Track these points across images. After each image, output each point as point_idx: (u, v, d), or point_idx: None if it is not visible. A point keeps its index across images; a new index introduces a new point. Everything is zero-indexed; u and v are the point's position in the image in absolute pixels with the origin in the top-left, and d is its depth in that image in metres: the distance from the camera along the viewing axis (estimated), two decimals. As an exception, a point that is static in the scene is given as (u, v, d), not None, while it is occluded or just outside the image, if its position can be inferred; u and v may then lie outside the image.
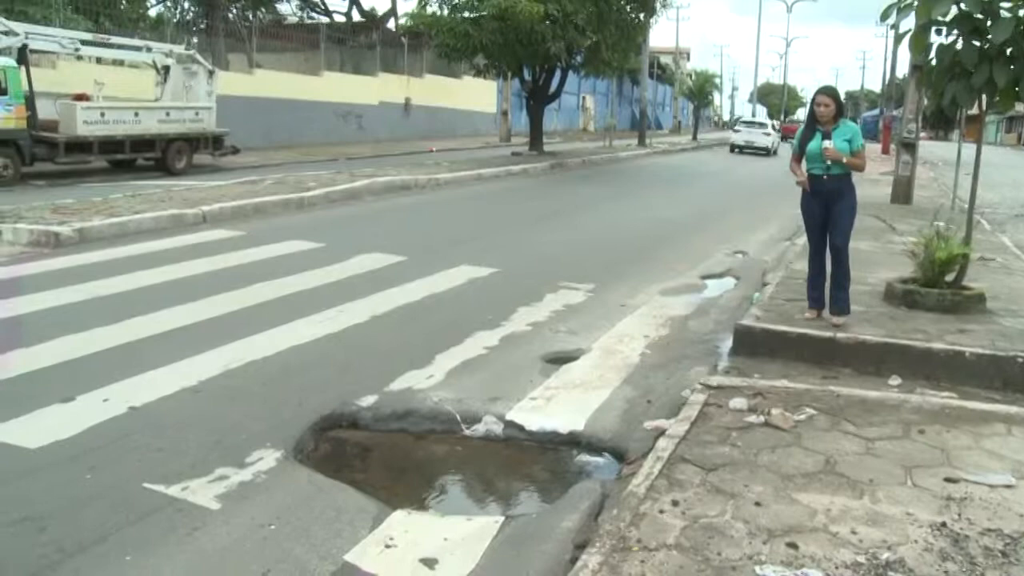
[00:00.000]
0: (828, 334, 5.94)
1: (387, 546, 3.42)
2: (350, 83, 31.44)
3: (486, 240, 10.84)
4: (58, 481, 3.80)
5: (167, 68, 18.73)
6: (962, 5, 5.91)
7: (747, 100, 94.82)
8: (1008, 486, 3.75)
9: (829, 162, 5.99)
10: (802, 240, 8.90)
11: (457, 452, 4.55)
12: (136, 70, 20.96)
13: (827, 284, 6.30)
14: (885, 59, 60.49)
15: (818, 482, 3.76)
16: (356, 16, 40.21)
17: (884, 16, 6.29)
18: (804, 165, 6.22)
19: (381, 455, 4.51)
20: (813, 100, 6.19)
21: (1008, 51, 5.88)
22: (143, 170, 17.92)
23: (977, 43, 5.94)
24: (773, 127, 41.05)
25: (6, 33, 15.24)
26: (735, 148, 36.92)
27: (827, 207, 6.13)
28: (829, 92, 6.09)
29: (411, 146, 29.08)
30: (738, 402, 4.75)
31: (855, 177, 6.27)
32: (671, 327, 6.98)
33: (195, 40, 25.54)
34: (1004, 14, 5.77)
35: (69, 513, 3.52)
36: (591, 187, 18.59)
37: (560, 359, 5.97)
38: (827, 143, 5.95)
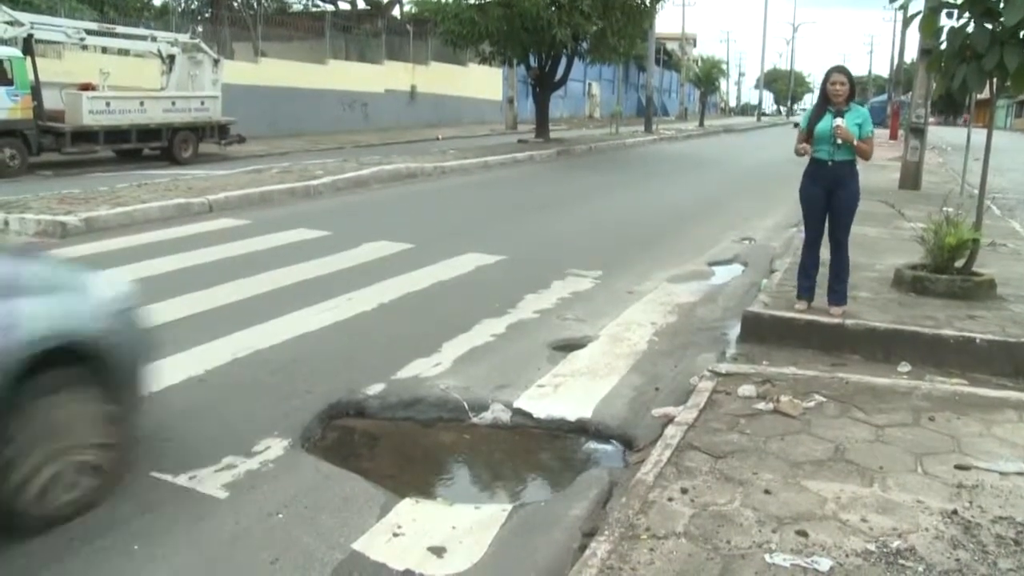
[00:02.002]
0: (836, 321, 5.91)
1: (395, 534, 3.41)
2: (356, 71, 31.38)
3: (493, 227, 10.81)
4: (66, 470, 3.80)
5: (172, 57, 18.71)
6: (974, -13, 5.83)
7: (754, 86, 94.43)
8: (1020, 473, 3.72)
9: (839, 142, 5.86)
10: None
11: (465, 440, 4.54)
12: (141, 59, 20.96)
13: (818, 274, 6.23)
14: (893, 43, 60.11)
15: (827, 469, 3.74)
16: (361, 4, 40.10)
17: (893, -2, 6.21)
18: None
19: (388, 443, 4.50)
20: (826, 79, 5.97)
21: (1020, 34, 5.80)
22: (149, 160, 17.94)
23: (988, 26, 5.86)
24: None
25: (11, 23, 15.23)
26: (796, 125, 51.15)
27: (829, 194, 6.03)
28: (844, 71, 5.93)
29: (417, 134, 29.05)
30: (746, 389, 4.73)
31: (859, 164, 6.19)
32: (679, 314, 6.95)
33: (200, 29, 25.53)
34: (1016, -4, 5.70)
35: (77, 502, 3.52)
36: (597, 174, 18.52)
37: (567, 346, 5.95)
38: (839, 120, 5.82)
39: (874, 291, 6.83)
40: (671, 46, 68.83)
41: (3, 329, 3.09)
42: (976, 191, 7.36)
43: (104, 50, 20.67)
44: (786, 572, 2.89)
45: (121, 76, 18.67)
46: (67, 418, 3.38)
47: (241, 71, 24.44)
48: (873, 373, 5.21)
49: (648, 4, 26.09)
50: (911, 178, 15.69)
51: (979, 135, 8.95)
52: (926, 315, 6.08)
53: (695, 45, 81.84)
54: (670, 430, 4.15)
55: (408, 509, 3.63)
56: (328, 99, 29.08)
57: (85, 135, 16.21)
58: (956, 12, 6.07)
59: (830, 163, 5.96)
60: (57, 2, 21.79)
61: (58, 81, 16.95)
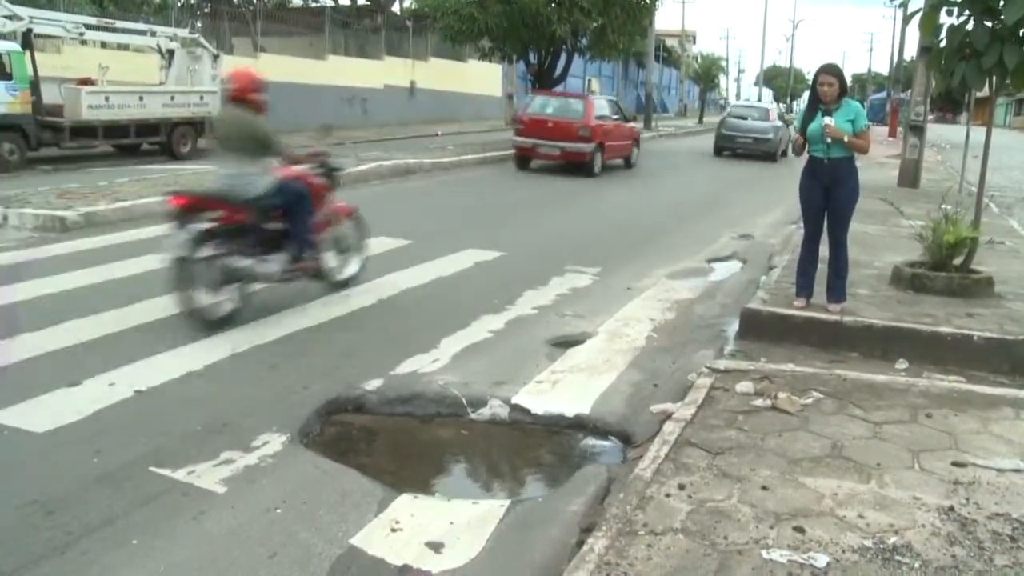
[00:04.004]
0: (835, 318, 5.91)
1: (393, 530, 3.42)
2: (355, 67, 31.31)
3: (492, 223, 10.80)
4: (65, 465, 3.81)
5: (171, 52, 18.67)
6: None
7: (753, 83, 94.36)
8: (1016, 470, 3.74)
9: (829, 141, 5.85)
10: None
11: (463, 436, 4.55)
12: (140, 54, 20.88)
13: (817, 272, 6.23)
14: (893, 41, 60.18)
15: (825, 466, 3.75)
16: (361, -1, 40.02)
17: (894, -5, 6.22)
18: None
19: (387, 439, 4.51)
20: (815, 79, 5.98)
21: (1020, 32, 5.80)
22: (148, 155, 17.90)
23: (988, 23, 5.86)
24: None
25: (10, 17, 15.18)
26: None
27: (827, 192, 6.03)
28: (832, 71, 5.92)
29: (416, 130, 29.01)
30: (745, 386, 4.74)
31: (859, 160, 6.18)
32: (677, 311, 6.96)
33: (199, 24, 25.44)
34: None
35: (76, 497, 3.53)
36: (597, 171, 18.48)
37: (566, 343, 5.95)
38: (827, 119, 5.82)
39: (873, 288, 6.83)
40: (671, 43, 68.68)
41: None
42: (975, 189, 7.36)
43: (103, 45, 20.62)
44: (783, 568, 2.90)
45: (120, 71, 18.63)
46: None
47: (240, 66, 24.40)
48: (871, 370, 5.22)
49: (648, 1, 26.04)
50: (910, 176, 15.71)
51: (978, 133, 8.96)
52: (924, 312, 6.09)
53: (695, 42, 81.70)
54: (668, 426, 4.16)
55: (406, 504, 3.63)
56: (327, 94, 29.01)
57: (84, 130, 16.17)
58: (956, 10, 6.07)
59: (826, 161, 5.95)
60: (56, -4, 21.74)
61: (57, 76, 16.90)
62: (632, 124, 19.99)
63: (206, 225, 5.68)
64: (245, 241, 5.93)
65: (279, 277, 6.26)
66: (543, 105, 18.12)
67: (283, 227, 6.27)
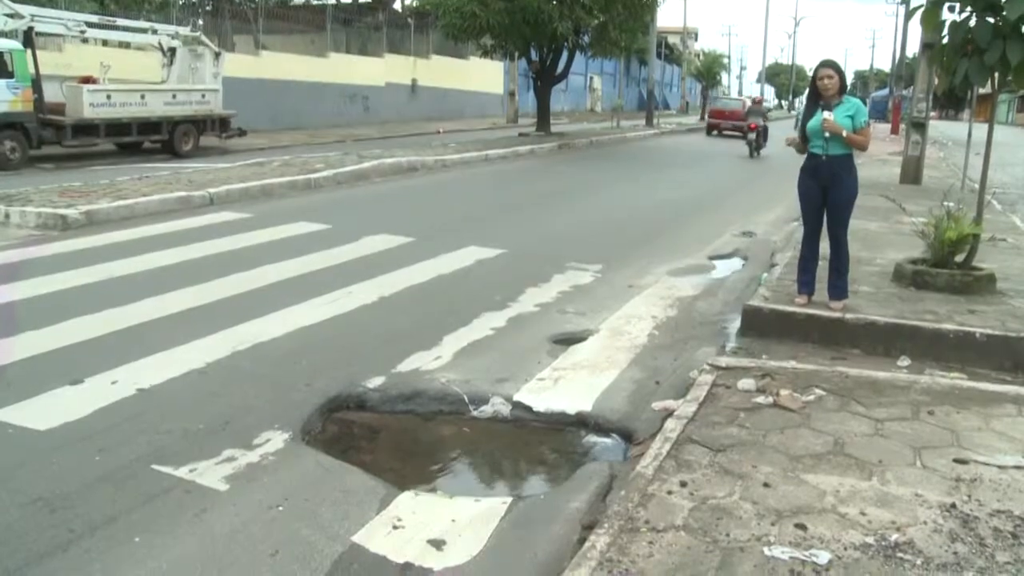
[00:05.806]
0: (837, 315, 5.91)
1: (395, 527, 3.42)
2: (356, 64, 31.33)
3: (493, 221, 10.81)
4: (68, 463, 3.82)
5: (173, 50, 18.69)
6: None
7: (755, 80, 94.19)
8: (1018, 467, 3.73)
9: (827, 135, 5.82)
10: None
11: (465, 433, 4.55)
12: (142, 52, 20.91)
13: (818, 268, 6.22)
14: (895, 37, 60.11)
15: (827, 463, 3.75)
16: (362, -3, 39.97)
17: (896, -8, 6.21)
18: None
19: (389, 436, 4.51)
20: (815, 74, 5.97)
21: (1022, 28, 5.78)
22: (150, 153, 17.94)
23: (991, 19, 5.85)
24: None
25: (12, 16, 15.20)
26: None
27: (825, 190, 6.02)
28: (831, 65, 5.90)
29: (418, 127, 29.03)
30: (746, 383, 4.74)
31: (860, 158, 6.15)
32: (679, 308, 6.96)
33: (201, 22, 25.44)
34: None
35: (79, 494, 3.54)
36: (598, 168, 18.51)
37: (568, 340, 5.95)
38: (826, 114, 5.80)
39: (874, 285, 6.83)
40: (673, 40, 68.60)
41: None
42: (977, 186, 7.35)
43: (105, 43, 20.65)
44: (784, 565, 2.90)
45: (122, 69, 18.65)
46: None
47: (242, 64, 24.41)
48: (873, 367, 5.22)
49: (650, -2, 26.03)
50: (912, 172, 15.70)
51: (980, 130, 8.94)
52: (926, 309, 6.08)
53: (697, 39, 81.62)
54: (670, 423, 4.16)
55: (408, 502, 3.64)
56: (329, 92, 29.05)
57: (86, 128, 16.21)
58: (958, 6, 6.05)
59: (824, 157, 5.94)
60: (58, -5, 21.74)
61: (58, 74, 16.94)
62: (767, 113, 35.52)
63: (753, 135, 23.32)
64: (759, 135, 23.30)
65: (759, 148, 23.39)
66: (721, 103, 37.37)
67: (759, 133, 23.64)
